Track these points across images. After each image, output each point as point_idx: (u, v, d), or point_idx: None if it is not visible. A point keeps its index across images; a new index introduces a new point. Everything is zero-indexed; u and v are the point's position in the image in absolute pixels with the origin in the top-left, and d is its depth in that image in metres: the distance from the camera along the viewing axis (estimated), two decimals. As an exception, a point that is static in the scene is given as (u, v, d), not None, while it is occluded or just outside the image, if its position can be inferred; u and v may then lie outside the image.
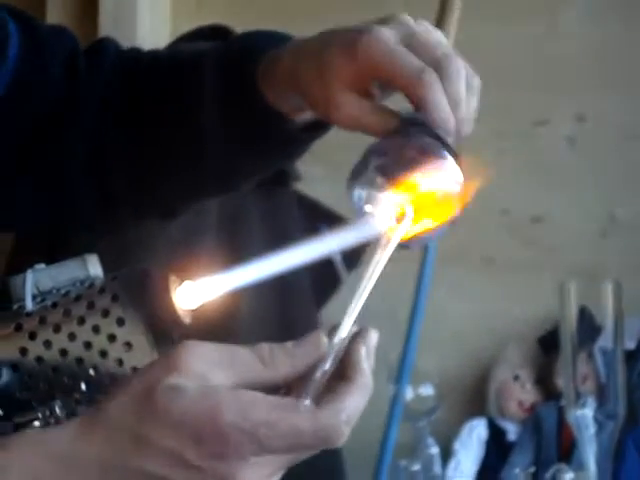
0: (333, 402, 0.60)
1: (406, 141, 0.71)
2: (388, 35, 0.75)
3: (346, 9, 1.69)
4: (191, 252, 1.46)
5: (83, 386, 0.66)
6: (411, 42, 0.76)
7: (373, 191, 0.68)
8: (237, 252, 1.49)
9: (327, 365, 0.61)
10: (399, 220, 0.67)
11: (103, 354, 0.66)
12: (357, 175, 0.70)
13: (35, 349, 0.66)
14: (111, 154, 0.92)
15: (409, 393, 1.55)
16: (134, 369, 0.66)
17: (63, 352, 0.66)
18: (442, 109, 0.73)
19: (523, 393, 1.76)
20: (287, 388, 0.61)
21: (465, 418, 1.76)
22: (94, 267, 0.70)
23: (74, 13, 1.67)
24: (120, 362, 0.66)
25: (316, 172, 1.72)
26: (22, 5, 1.76)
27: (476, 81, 0.77)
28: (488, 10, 1.68)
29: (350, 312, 0.63)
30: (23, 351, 0.66)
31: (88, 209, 0.94)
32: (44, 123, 0.90)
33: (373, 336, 0.64)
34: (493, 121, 1.67)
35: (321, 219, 1.55)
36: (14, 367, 0.66)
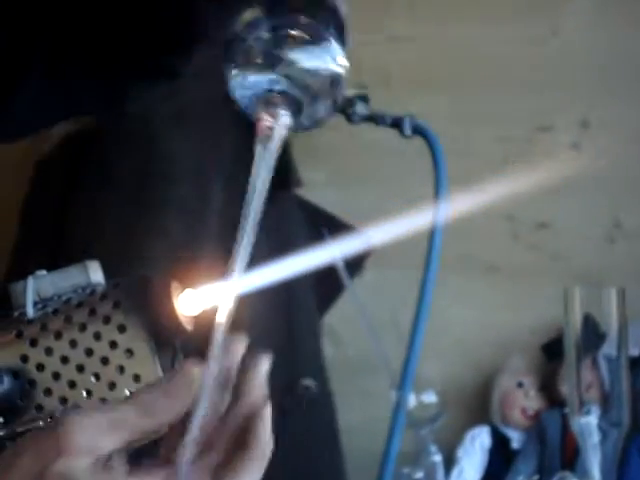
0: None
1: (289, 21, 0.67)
2: None
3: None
4: (193, 258, 1.46)
5: (84, 393, 0.66)
6: None
7: (252, 74, 0.66)
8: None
9: (203, 408, 0.61)
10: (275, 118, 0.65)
11: (104, 361, 0.66)
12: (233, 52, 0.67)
13: (36, 356, 0.66)
14: None
15: (412, 400, 1.55)
16: (135, 377, 0.66)
17: (64, 359, 0.66)
18: None
19: (527, 401, 1.75)
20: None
21: (468, 426, 1.75)
22: (95, 274, 0.69)
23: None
24: (121, 369, 0.66)
25: (317, 177, 1.71)
26: None
27: None
28: (490, 13, 1.68)
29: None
30: (24, 358, 0.66)
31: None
32: None
33: (265, 364, 0.65)
34: (497, 127, 1.67)
35: (323, 224, 1.54)
36: (15, 374, 0.65)
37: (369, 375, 1.70)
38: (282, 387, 1.53)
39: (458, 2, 1.68)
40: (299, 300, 1.56)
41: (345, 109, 1.45)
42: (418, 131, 1.40)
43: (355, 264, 1.53)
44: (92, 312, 0.66)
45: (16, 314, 0.67)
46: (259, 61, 0.65)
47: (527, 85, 1.68)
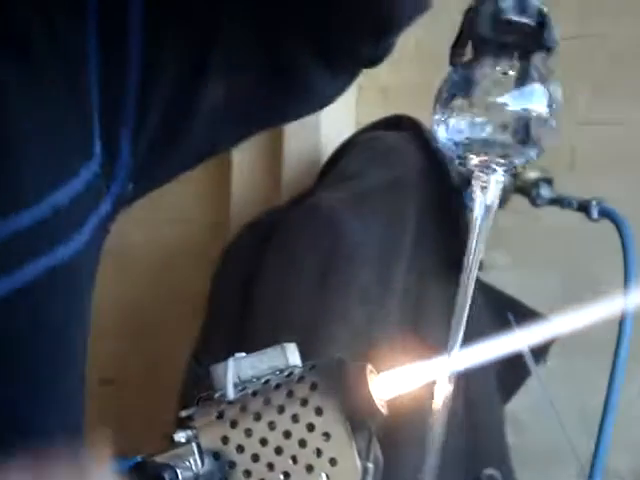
0: None
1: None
2: None
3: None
4: (374, 342, 1.46)
5: (282, 476, 0.66)
6: None
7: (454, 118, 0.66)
8: (420, 341, 1.48)
9: None
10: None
11: (302, 444, 0.66)
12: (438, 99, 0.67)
13: (236, 437, 0.66)
14: None
15: (601, 493, 1.49)
16: (332, 460, 0.66)
17: (263, 441, 0.66)
18: None
19: None
20: None
21: (660, 521, 1.68)
22: (293, 355, 0.70)
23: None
24: (319, 452, 0.66)
25: (501, 261, 1.69)
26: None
27: None
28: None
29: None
30: (225, 439, 0.66)
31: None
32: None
33: None
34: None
35: (508, 309, 1.52)
36: (216, 455, 0.66)
37: (555, 465, 1.66)
38: (466, 477, 1.50)
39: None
40: (480, 387, 1.53)
41: (529, 192, 1.44)
42: (605, 214, 1.37)
43: (540, 350, 1.50)
44: (290, 394, 0.66)
45: (217, 395, 0.68)
46: (469, 106, 0.66)
47: None
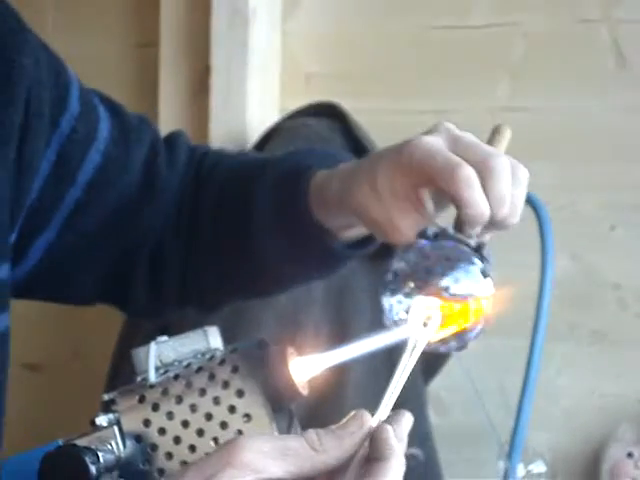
0: None
1: (436, 247, 0.73)
2: (432, 140, 0.77)
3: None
4: (299, 325, 1.47)
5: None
6: (455, 144, 0.78)
7: (403, 297, 0.70)
8: (344, 325, 1.50)
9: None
10: (426, 325, 0.68)
11: (223, 425, 0.67)
12: (388, 282, 0.72)
13: (158, 420, 0.67)
14: (168, 249, 0.97)
15: (520, 470, 1.53)
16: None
17: (185, 423, 0.67)
18: (475, 206, 0.74)
19: (637, 471, 1.71)
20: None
21: (578, 497, 1.72)
22: (215, 339, 0.71)
23: (187, 90, 1.72)
24: (240, 434, 0.67)
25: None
26: (135, 90, 1.83)
27: (522, 173, 0.78)
28: (588, 84, 1.68)
29: (386, 397, 0.66)
30: (146, 422, 0.67)
31: (140, 294, 0.99)
32: (123, 203, 0.94)
33: (406, 420, 0.66)
34: (604, 194, 1.66)
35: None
36: (137, 438, 0.67)
37: (476, 444, 1.68)
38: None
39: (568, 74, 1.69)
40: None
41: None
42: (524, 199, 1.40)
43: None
44: (211, 377, 0.67)
45: (139, 379, 0.69)
46: (411, 286, 0.71)
47: (635, 151, 1.67)
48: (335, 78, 1.72)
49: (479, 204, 0.74)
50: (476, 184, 0.74)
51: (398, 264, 0.72)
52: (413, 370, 1.70)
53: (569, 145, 1.68)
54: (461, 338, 0.71)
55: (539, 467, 1.52)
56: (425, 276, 0.71)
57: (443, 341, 0.70)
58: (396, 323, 0.70)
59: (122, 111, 0.96)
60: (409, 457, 1.60)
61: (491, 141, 0.84)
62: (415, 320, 0.68)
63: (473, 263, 0.71)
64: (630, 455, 1.71)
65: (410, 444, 1.66)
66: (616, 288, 1.69)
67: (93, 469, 0.64)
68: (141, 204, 0.94)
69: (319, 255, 0.89)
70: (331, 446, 0.61)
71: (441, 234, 0.74)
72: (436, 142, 0.77)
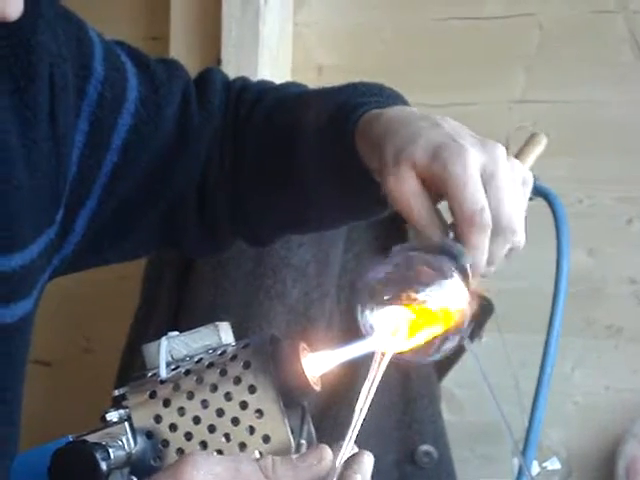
0: None
1: (414, 257, 0.72)
2: (472, 159, 0.75)
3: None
4: (310, 320, 1.47)
5: (215, 454, 0.66)
6: (489, 178, 0.76)
7: (377, 305, 0.69)
8: (357, 321, 1.49)
9: None
10: (395, 335, 0.68)
11: (235, 422, 0.66)
12: (363, 290, 0.71)
13: (169, 416, 0.66)
14: (214, 187, 0.95)
15: (535, 468, 1.51)
16: (265, 437, 0.66)
17: (196, 419, 0.66)
18: (480, 255, 0.74)
19: (654, 469, 1.69)
20: None
21: (594, 494, 1.71)
22: (226, 334, 0.70)
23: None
24: (251, 430, 0.66)
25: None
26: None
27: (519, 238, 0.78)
28: (604, 76, 1.66)
29: (349, 433, 0.65)
30: (157, 418, 0.66)
31: (194, 235, 0.98)
32: (158, 159, 0.93)
33: (367, 460, 0.64)
34: (620, 188, 1.64)
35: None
36: (149, 434, 0.66)
37: (490, 441, 1.67)
38: (401, 454, 1.52)
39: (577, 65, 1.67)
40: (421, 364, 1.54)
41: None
42: (540, 193, 1.38)
43: (474, 327, 1.51)
44: (223, 373, 0.67)
45: (149, 375, 0.68)
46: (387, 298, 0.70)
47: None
48: (348, 70, 1.71)
49: (483, 253, 0.75)
50: (487, 235, 0.74)
51: (376, 272, 0.71)
52: (426, 366, 1.69)
53: (585, 138, 1.66)
54: (439, 348, 0.70)
55: (554, 464, 1.51)
56: (402, 286, 0.70)
57: (417, 352, 0.69)
58: (368, 330, 0.70)
59: (150, 63, 0.95)
60: (423, 454, 1.59)
61: (525, 148, 0.83)
62: (383, 332, 0.68)
63: (452, 277, 0.71)
64: (646, 452, 1.70)
65: (423, 441, 1.66)
66: (632, 283, 1.67)
67: (104, 465, 0.63)
68: (177, 156, 0.94)
69: (361, 194, 0.87)
70: (284, 475, 0.61)
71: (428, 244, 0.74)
72: (475, 165, 0.75)
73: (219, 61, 1.64)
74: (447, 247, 0.73)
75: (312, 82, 1.71)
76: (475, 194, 0.74)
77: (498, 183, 0.76)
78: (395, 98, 0.90)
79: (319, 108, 0.90)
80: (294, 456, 0.62)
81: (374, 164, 0.83)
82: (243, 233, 0.99)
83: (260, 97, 0.97)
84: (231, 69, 1.64)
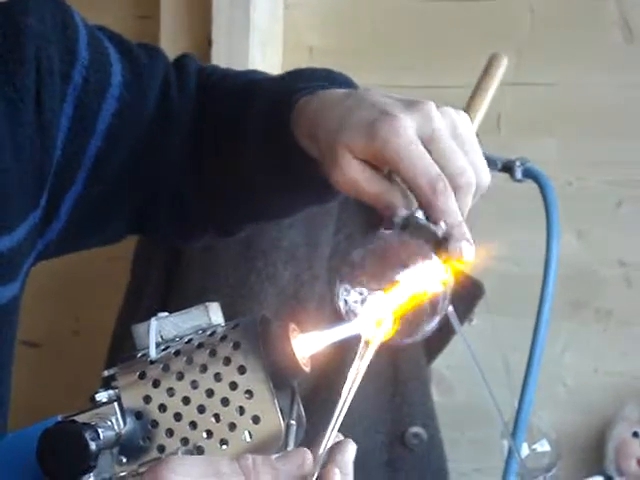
0: None
1: (398, 239, 0.71)
2: (408, 128, 0.74)
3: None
4: (301, 301, 1.47)
5: (204, 434, 0.66)
6: (430, 141, 0.74)
7: (357, 290, 0.69)
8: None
9: None
10: (379, 323, 0.67)
11: (225, 402, 0.66)
12: (343, 274, 0.70)
13: (158, 397, 0.66)
14: (187, 172, 0.96)
15: (524, 450, 1.52)
16: (255, 418, 0.66)
17: (186, 400, 0.66)
18: (454, 216, 0.73)
19: (642, 451, 1.70)
20: None
21: (582, 476, 1.71)
22: (216, 315, 0.70)
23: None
24: (241, 410, 0.66)
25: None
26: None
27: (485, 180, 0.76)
28: (595, 59, 1.66)
29: (331, 425, 0.64)
30: (147, 399, 0.66)
31: (168, 223, 0.98)
32: (141, 143, 0.93)
33: (351, 449, 0.64)
34: (610, 171, 1.64)
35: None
36: (138, 415, 0.66)
37: (480, 423, 1.68)
38: (391, 435, 1.52)
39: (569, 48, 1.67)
40: (405, 345, 1.55)
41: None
42: (529, 175, 1.38)
43: (464, 309, 1.51)
44: (212, 353, 0.66)
45: (139, 355, 0.68)
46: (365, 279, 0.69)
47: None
48: (338, 52, 1.71)
49: (457, 215, 0.73)
50: (452, 196, 0.73)
51: (357, 254, 0.71)
52: (416, 348, 1.69)
53: (575, 121, 1.66)
54: (417, 331, 0.70)
55: (543, 446, 1.52)
56: (381, 269, 0.69)
57: (399, 335, 0.69)
58: (347, 314, 0.69)
59: (133, 48, 0.95)
60: (413, 436, 1.59)
61: (487, 71, 0.81)
62: (367, 320, 0.67)
63: (431, 258, 0.70)
64: (636, 434, 1.71)
65: (413, 423, 1.66)
66: (622, 265, 1.67)
67: (93, 445, 0.63)
68: (158, 138, 0.94)
69: (311, 180, 0.85)
70: (265, 473, 0.61)
71: (409, 223, 0.73)
72: (412, 132, 0.73)
73: (210, 42, 1.64)
74: (416, 220, 0.73)
75: (303, 63, 1.70)
76: (423, 162, 0.73)
77: (440, 143, 0.74)
78: (342, 83, 0.88)
79: (263, 95, 0.90)
80: (274, 456, 0.62)
81: (314, 152, 0.81)
82: (212, 221, 0.99)
83: (218, 84, 0.97)
84: (222, 50, 1.64)
